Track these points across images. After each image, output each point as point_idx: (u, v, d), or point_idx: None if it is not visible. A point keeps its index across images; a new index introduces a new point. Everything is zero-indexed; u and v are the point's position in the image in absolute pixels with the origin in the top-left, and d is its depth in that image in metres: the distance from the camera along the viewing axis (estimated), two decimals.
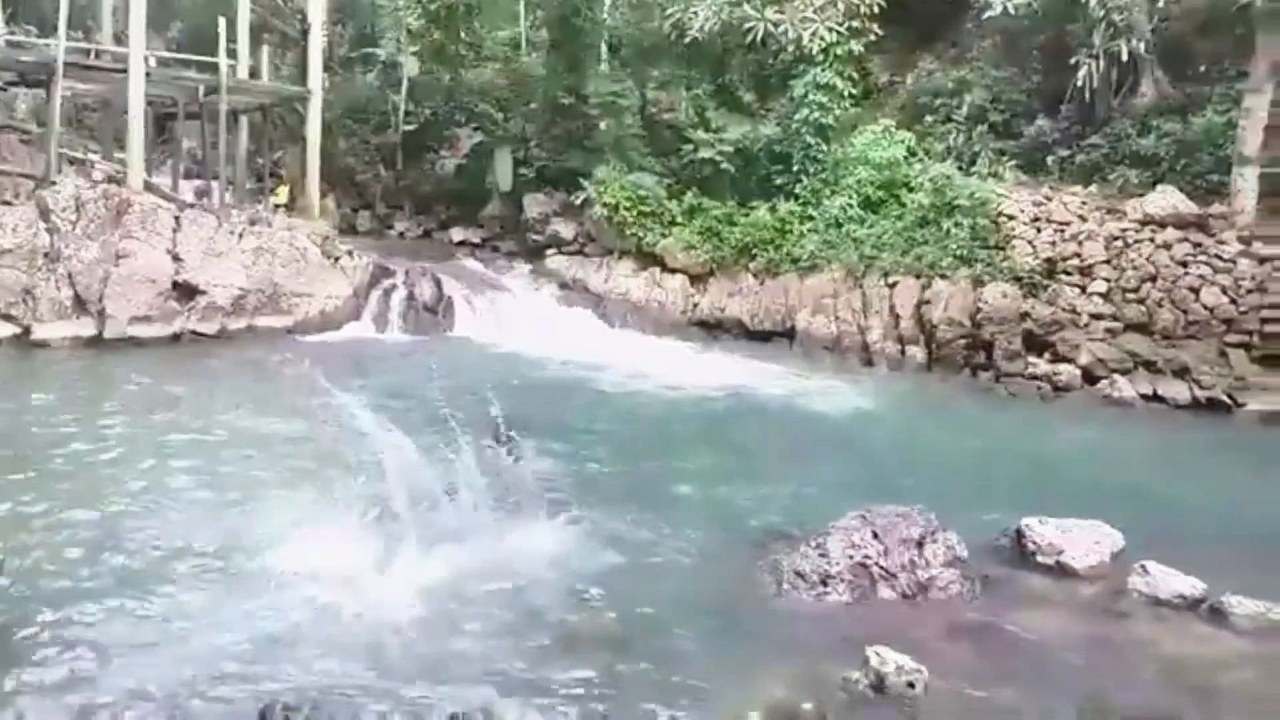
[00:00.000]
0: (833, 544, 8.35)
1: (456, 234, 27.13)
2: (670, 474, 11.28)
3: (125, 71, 18.85)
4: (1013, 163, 20.87)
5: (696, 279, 21.80)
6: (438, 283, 20.59)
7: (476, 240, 26.70)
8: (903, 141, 21.35)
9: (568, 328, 20.44)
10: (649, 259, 22.24)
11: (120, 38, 24.87)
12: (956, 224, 19.24)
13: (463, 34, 28.67)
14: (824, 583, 8.13)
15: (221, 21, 21.67)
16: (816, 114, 21.19)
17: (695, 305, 21.55)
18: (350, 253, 19.97)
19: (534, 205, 25.22)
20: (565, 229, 24.30)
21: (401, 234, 27.64)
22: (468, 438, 8.71)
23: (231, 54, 21.78)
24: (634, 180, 22.47)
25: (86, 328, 15.82)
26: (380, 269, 20.26)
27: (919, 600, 7.99)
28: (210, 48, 22.49)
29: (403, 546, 7.75)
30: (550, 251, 24.14)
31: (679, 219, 22.04)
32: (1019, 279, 18.47)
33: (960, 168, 20.74)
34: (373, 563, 7.64)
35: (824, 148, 21.41)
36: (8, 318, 15.50)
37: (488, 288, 21.92)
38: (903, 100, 23.94)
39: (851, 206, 20.73)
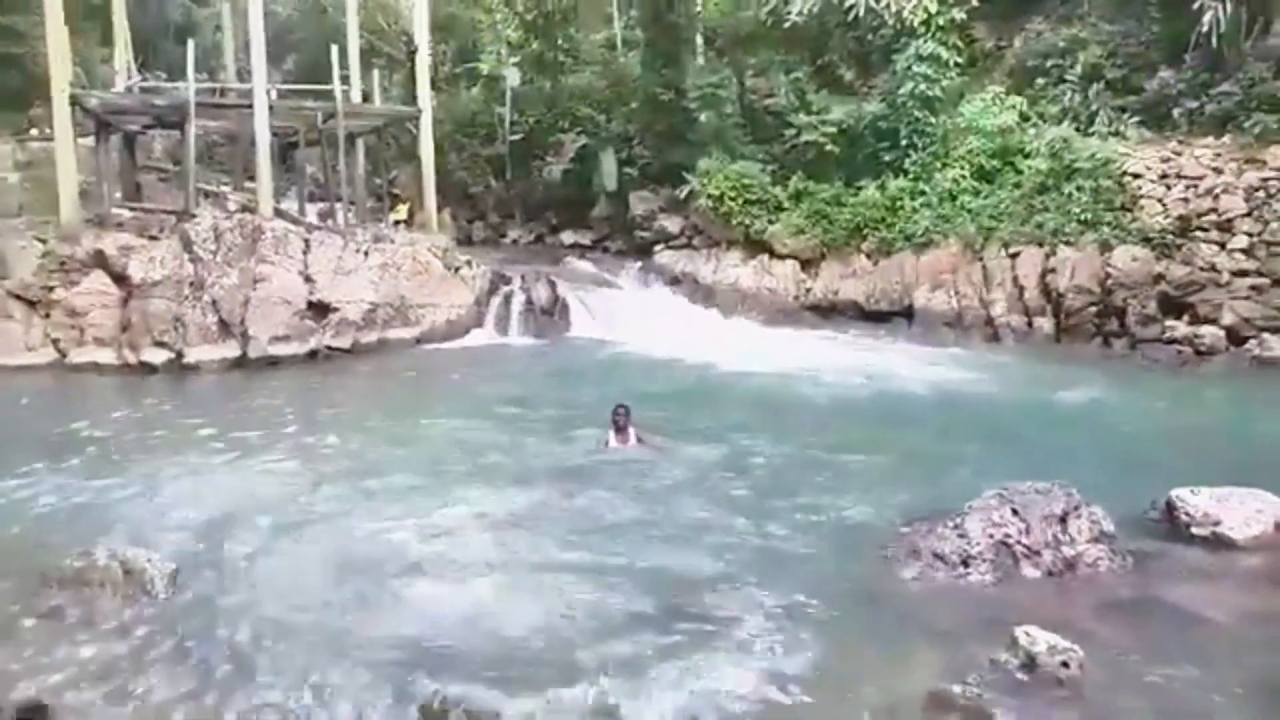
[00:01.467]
0: (971, 524, 8.20)
1: (567, 237, 27.65)
2: (802, 460, 11.23)
3: (250, 107, 19.90)
4: (1135, 119, 19.86)
5: (807, 263, 21.60)
6: (552, 286, 21.02)
7: (586, 242, 27.15)
8: (1014, 107, 20.63)
9: (680, 321, 20.58)
10: (757, 247, 22.16)
11: (243, 75, 26.29)
12: (1078, 188, 18.49)
13: (560, 41, 29.14)
14: (965, 563, 7.99)
15: (334, 50, 22.64)
16: (922, 86, 20.69)
17: (808, 290, 21.36)
18: (469, 262, 20.59)
19: (640, 203, 25.45)
20: (672, 224, 24.45)
21: (515, 241, 28.32)
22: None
23: (344, 80, 22.74)
24: (738, 169, 22.43)
25: (232, 350, 16.82)
26: (498, 276, 20.82)
27: (1066, 578, 7.77)
28: (323, 76, 23.56)
29: None
30: (659, 247, 24.32)
31: (785, 204, 21.89)
32: (1149, 240, 17.63)
33: (1078, 129, 19.88)
34: None
35: (932, 120, 20.89)
36: (161, 344, 16.61)
37: (600, 287, 22.27)
38: (1011, 65, 23.08)
39: (965, 178, 20.18)
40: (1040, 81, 21.71)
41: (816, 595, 7.70)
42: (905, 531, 8.70)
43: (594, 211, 27.37)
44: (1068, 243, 18.17)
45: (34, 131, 23.94)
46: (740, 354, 17.50)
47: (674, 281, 22.85)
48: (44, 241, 17.55)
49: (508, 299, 20.44)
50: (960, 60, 21.39)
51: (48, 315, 16.48)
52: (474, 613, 7.40)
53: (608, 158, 26.45)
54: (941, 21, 20.55)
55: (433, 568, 8.18)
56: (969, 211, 19.69)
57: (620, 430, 11.12)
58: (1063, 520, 8.14)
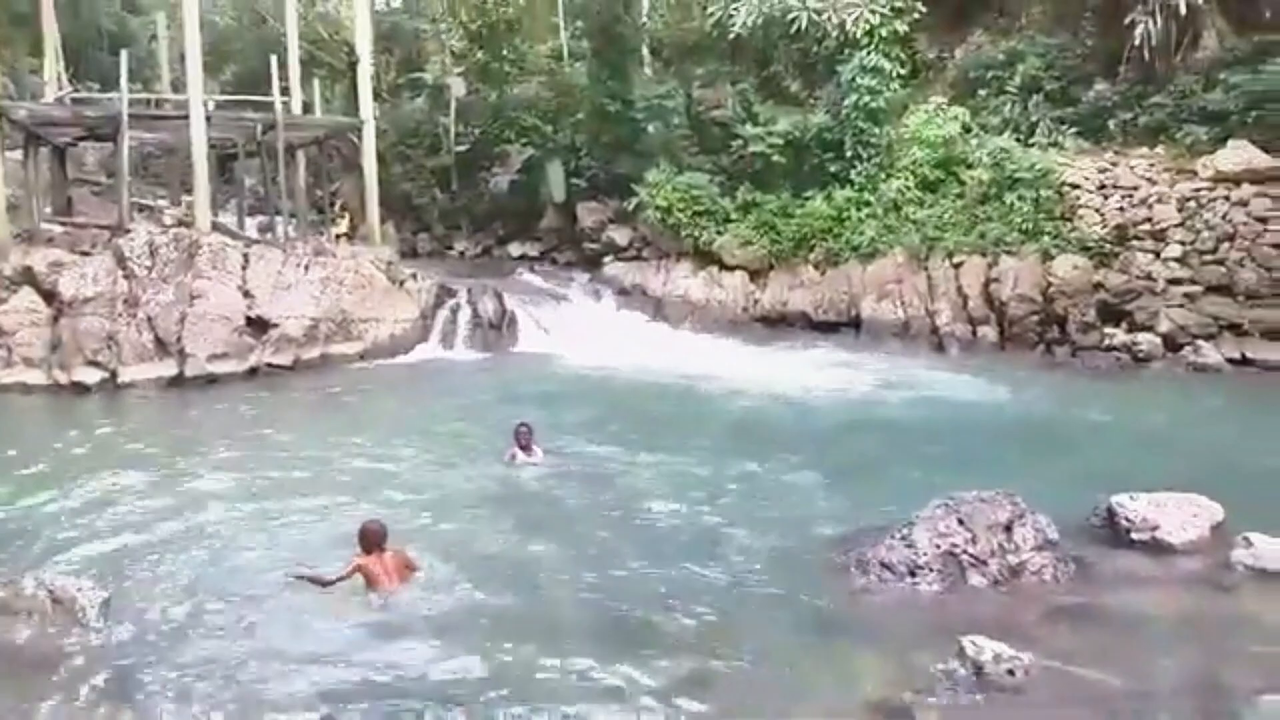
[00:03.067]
0: (918, 534, 8.21)
1: (514, 249, 27.46)
2: (746, 472, 11.21)
3: (187, 118, 19.44)
4: (1073, 130, 20.32)
5: (756, 274, 21.69)
6: (500, 299, 20.78)
7: (534, 254, 26.98)
8: (956, 118, 20.96)
9: (630, 333, 20.53)
10: (706, 258, 22.20)
11: (179, 85, 25.73)
12: (1020, 198, 18.83)
13: (505, 51, 28.99)
14: (912, 573, 8.00)
15: (273, 60, 22.25)
16: (866, 98, 20.92)
17: (756, 301, 21.43)
18: (414, 275, 20.30)
19: (588, 214, 25.38)
20: (620, 235, 24.40)
21: (461, 253, 28.05)
22: None
23: (284, 91, 22.35)
24: (685, 181, 22.46)
25: (168, 368, 16.31)
26: (444, 289, 20.54)
27: (1011, 586, 7.81)
28: (262, 86, 23.13)
29: None
30: (608, 259, 24.26)
31: (733, 215, 21.97)
32: (1088, 249, 18.02)
33: (1019, 140, 20.27)
34: None
35: (876, 131, 21.12)
36: (95, 364, 16.08)
37: (549, 300, 22.08)
38: (953, 76, 23.49)
39: (909, 189, 20.44)
40: (981, 93, 22.12)
41: (760, 607, 7.67)
42: (851, 543, 8.72)
43: (542, 223, 27.23)
44: (1010, 252, 18.49)
45: None
46: (688, 367, 17.46)
47: (623, 293, 22.77)
48: None
49: (454, 312, 20.16)
50: (903, 71, 21.67)
51: None
52: (391, 639, 7.24)
53: (555, 169, 26.35)
54: (884, 33, 20.81)
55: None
56: (914, 222, 19.94)
57: (524, 447, 11.16)
58: (1008, 529, 8.18)
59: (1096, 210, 18.39)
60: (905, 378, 16.67)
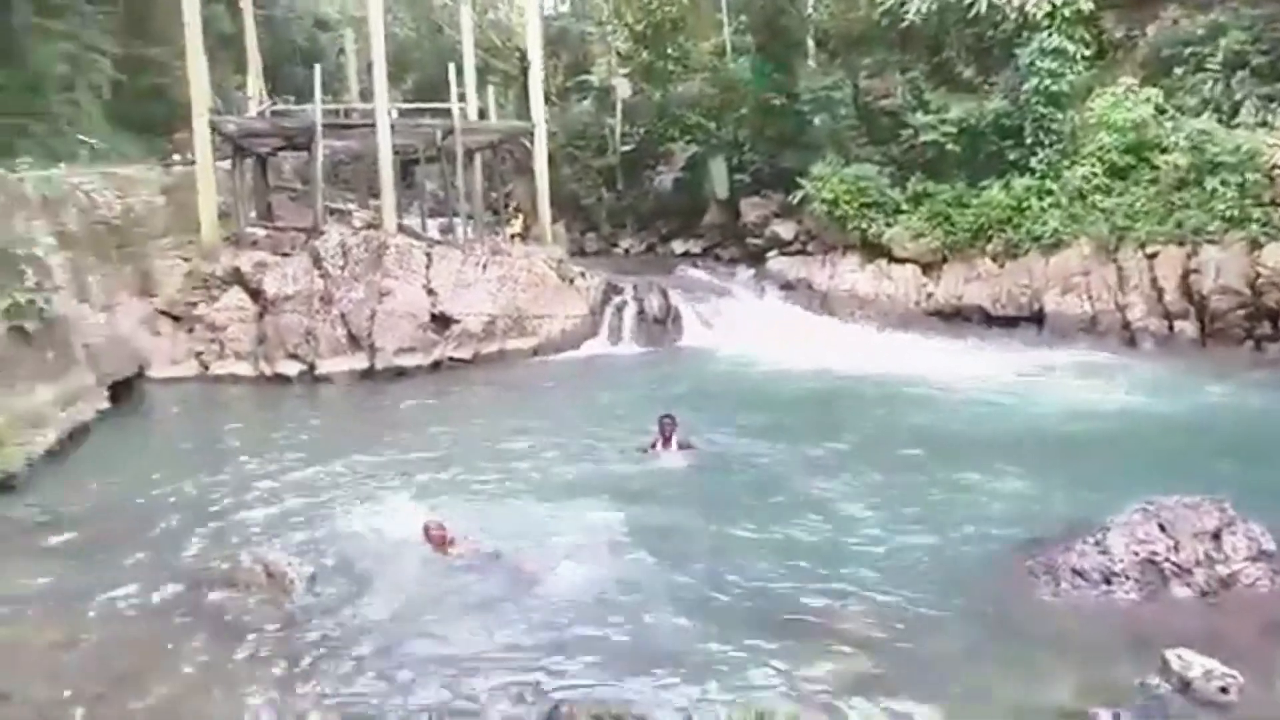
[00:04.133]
0: (1114, 539, 7.82)
1: (678, 246, 27.69)
2: (926, 471, 10.95)
3: (373, 126, 20.65)
4: None
5: (928, 267, 21.04)
6: (665, 295, 21.04)
7: (698, 250, 27.12)
8: (1148, 100, 19.61)
9: (794, 328, 20.31)
10: (875, 251, 21.70)
11: (365, 95, 27.36)
12: (1223, 183, 17.42)
13: (669, 49, 29.24)
14: (1107, 581, 7.63)
15: (451, 69, 23.29)
16: (1047, 81, 19.86)
17: (929, 295, 20.78)
18: (583, 273, 20.84)
19: (751, 209, 25.28)
20: (785, 229, 24.19)
21: (626, 251, 28.54)
22: None
23: (461, 98, 23.36)
24: (853, 172, 22.02)
25: (360, 361, 17.43)
26: (611, 286, 20.98)
27: (1220, 598, 7.33)
28: (441, 94, 24.25)
29: None
30: (771, 253, 24.08)
31: (904, 207, 21.38)
32: None
33: (1220, 120, 18.75)
34: None
35: (1059, 116, 20.03)
36: (295, 357, 17.36)
37: (712, 295, 22.15)
38: (1144, 55, 21.96)
39: (1095, 175, 19.30)
40: (1177, 71, 20.57)
41: (947, 611, 7.48)
42: (1038, 547, 8.36)
43: (705, 219, 27.33)
44: (1212, 241, 17.16)
45: (176, 156, 25.43)
46: (857, 361, 17.14)
47: (787, 288, 22.56)
48: (187, 260, 18.61)
49: (620, 309, 20.55)
50: (1088, 53, 20.45)
51: (191, 330, 17.44)
52: (587, 618, 7.47)
53: (718, 165, 26.38)
54: (1067, 13, 19.70)
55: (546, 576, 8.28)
56: (1101, 211, 18.82)
57: (667, 439, 11.33)
58: (1216, 537, 7.69)
59: None
60: (1094, 375, 15.81)
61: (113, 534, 9.39)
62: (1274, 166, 17.29)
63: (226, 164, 22.89)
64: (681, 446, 11.43)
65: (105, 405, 13.93)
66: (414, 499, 10.22)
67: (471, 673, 6.70)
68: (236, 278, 18.18)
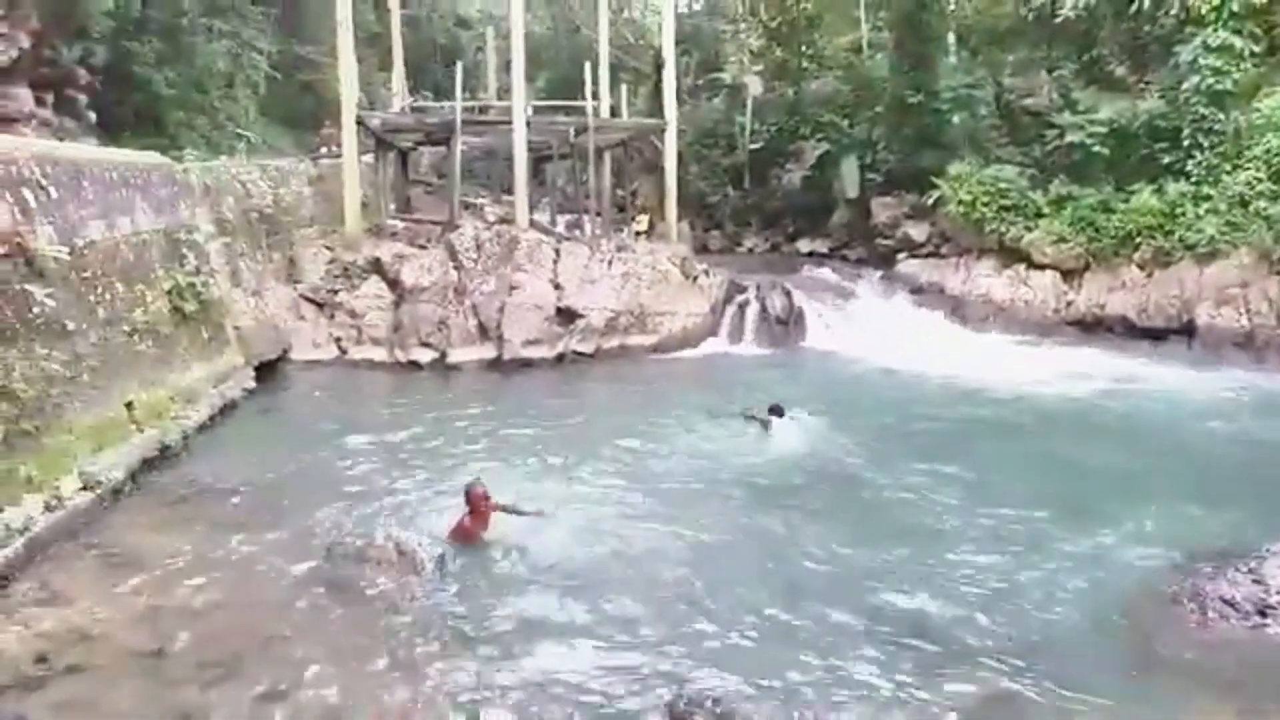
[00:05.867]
0: (1271, 570, 7.36)
1: (804, 245, 27.30)
2: (1065, 489, 10.49)
3: (510, 124, 21.14)
4: None
5: (1069, 274, 20.10)
6: (788, 295, 20.72)
7: (824, 250, 26.66)
8: None
9: (924, 334, 19.67)
10: (1012, 255, 20.89)
11: (501, 93, 28.04)
12: None
13: (803, 47, 28.90)
14: (1261, 613, 7.17)
15: (586, 66, 23.61)
16: (1210, 80, 18.67)
17: (1069, 303, 19.87)
18: (706, 271, 20.79)
19: (882, 209, 24.71)
20: (916, 231, 23.55)
21: (750, 249, 28.33)
22: None
23: (594, 95, 23.66)
24: (992, 173, 21.27)
25: (488, 351, 17.87)
26: (734, 285, 20.82)
27: None
28: (572, 91, 24.61)
29: None
30: (901, 256, 23.49)
31: (1045, 210, 20.50)
32: None
33: None
34: None
35: (1221, 117, 18.81)
36: (427, 345, 17.94)
37: (838, 297, 21.69)
38: None
39: (1260, 180, 18.03)
40: None
41: (1077, 632, 7.20)
42: (1184, 573, 7.91)
43: (833, 219, 26.88)
44: None
45: (323, 150, 26.66)
46: (990, 370, 16.54)
47: (917, 291, 21.93)
48: (330, 250, 19.48)
49: (742, 308, 20.36)
50: (1257, 49, 19.13)
51: (332, 316, 18.23)
52: (706, 615, 7.47)
53: (849, 163, 25.91)
54: (1236, 7, 18.46)
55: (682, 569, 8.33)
56: (1265, 219, 17.57)
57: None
58: None
59: None
60: (1249, 395, 14.80)
61: (257, 506, 9.95)
62: None
63: (369, 158, 23.87)
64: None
65: (252, 384, 14.73)
66: (537, 483, 10.48)
67: (598, 662, 6.82)
68: (376, 267, 18.91)
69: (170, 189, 14.33)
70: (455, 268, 18.73)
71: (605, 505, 10.01)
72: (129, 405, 11.07)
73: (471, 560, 8.52)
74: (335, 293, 18.44)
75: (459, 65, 23.27)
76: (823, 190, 26.97)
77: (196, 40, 22.55)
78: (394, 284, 18.57)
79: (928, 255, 23.00)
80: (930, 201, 22.37)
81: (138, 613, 7.51)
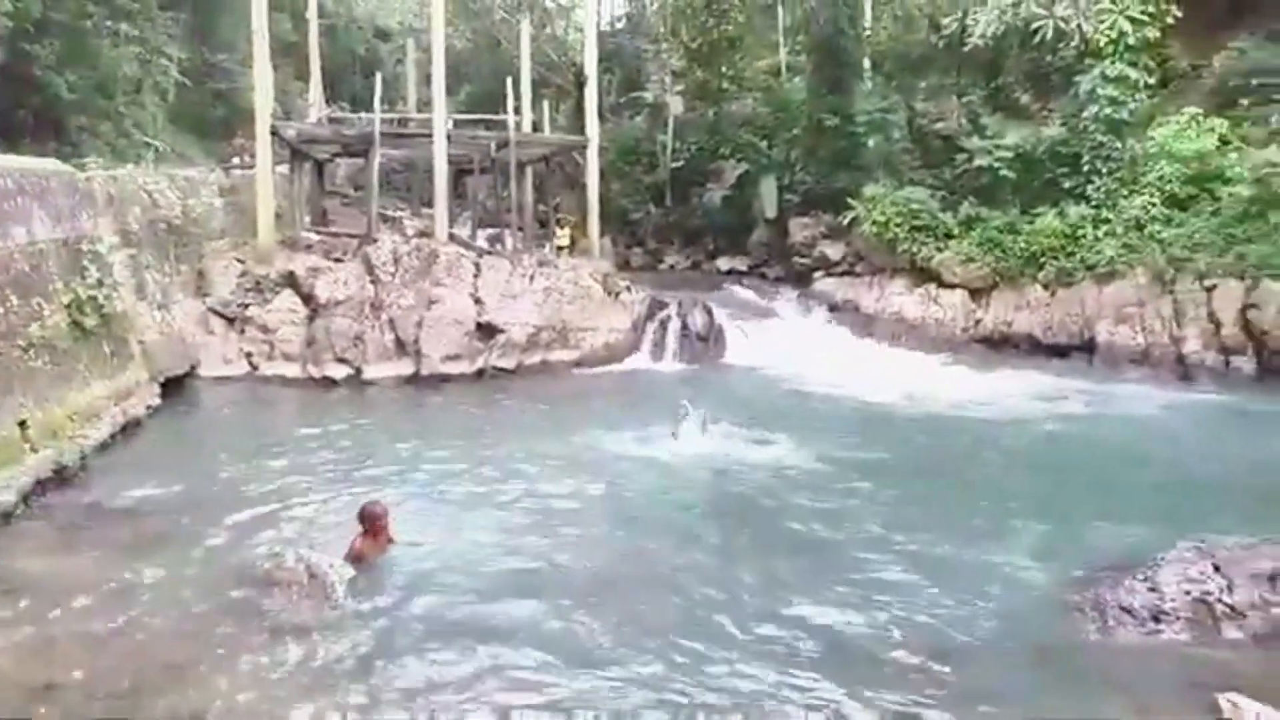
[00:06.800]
0: (1165, 577, 7.65)
1: (724, 263, 27.59)
2: (973, 502, 10.79)
3: (430, 136, 20.92)
4: None
5: (977, 293, 20.77)
6: (709, 312, 20.98)
7: (744, 268, 27.01)
8: (1213, 130, 19.25)
9: (839, 350, 20.15)
10: (924, 275, 21.49)
11: (421, 105, 27.73)
12: None
13: (724, 68, 29.30)
14: (1156, 619, 7.46)
15: (508, 82, 23.54)
16: (1108, 109, 19.58)
17: (977, 321, 20.52)
18: (628, 287, 20.86)
19: (800, 229, 25.17)
20: (833, 250, 24.04)
21: (672, 267, 28.51)
22: None
23: (516, 110, 23.60)
24: (905, 195, 21.86)
25: (406, 367, 17.60)
26: (656, 302, 20.96)
27: (1277, 644, 7.09)
28: (495, 106, 24.51)
29: None
30: (818, 274, 23.94)
31: (955, 231, 21.14)
32: None
33: None
34: None
35: (1118, 144, 19.72)
36: (343, 360, 17.58)
37: (757, 314, 22.05)
38: (1210, 85, 21.59)
39: (1154, 205, 18.98)
40: (1244, 102, 20.19)
41: (983, 645, 7.35)
42: (1085, 584, 8.19)
43: (752, 238, 27.26)
44: (1275, 276, 16.75)
45: (235, 160, 25.99)
46: (901, 385, 16.95)
47: (834, 309, 22.40)
48: (242, 262, 18.95)
49: (664, 324, 20.51)
50: (1151, 81, 20.14)
51: (243, 331, 17.72)
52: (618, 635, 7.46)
53: (768, 184, 26.33)
54: (1132, 40, 19.40)
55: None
56: (1159, 241, 18.48)
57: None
58: (1272, 579, 7.45)
59: None
60: (1146, 409, 15.47)
61: (160, 528, 9.58)
62: None
63: (284, 169, 23.35)
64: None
65: (157, 402, 14.22)
66: (455, 504, 10.33)
67: (507, 682, 6.73)
68: (290, 281, 18.47)
69: (71, 198, 13.75)
70: (372, 281, 18.41)
71: (516, 523, 9.91)
72: (22, 424, 10.56)
73: (383, 581, 8.34)
74: (246, 307, 17.94)
75: (378, 76, 23.01)
76: (742, 209, 27.33)
77: (102, 44, 21.74)
78: (308, 298, 18.15)
79: (843, 274, 23.48)
80: (846, 222, 22.87)
81: (28, 644, 7.14)
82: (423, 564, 8.64)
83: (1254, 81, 20.19)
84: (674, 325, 20.55)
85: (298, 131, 22.30)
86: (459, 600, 8.02)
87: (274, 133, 20.42)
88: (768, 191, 26.30)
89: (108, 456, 11.78)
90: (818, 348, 20.03)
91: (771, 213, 26.27)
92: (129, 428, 12.88)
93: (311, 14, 26.65)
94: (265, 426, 14.35)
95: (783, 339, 20.59)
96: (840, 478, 11.59)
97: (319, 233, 22.62)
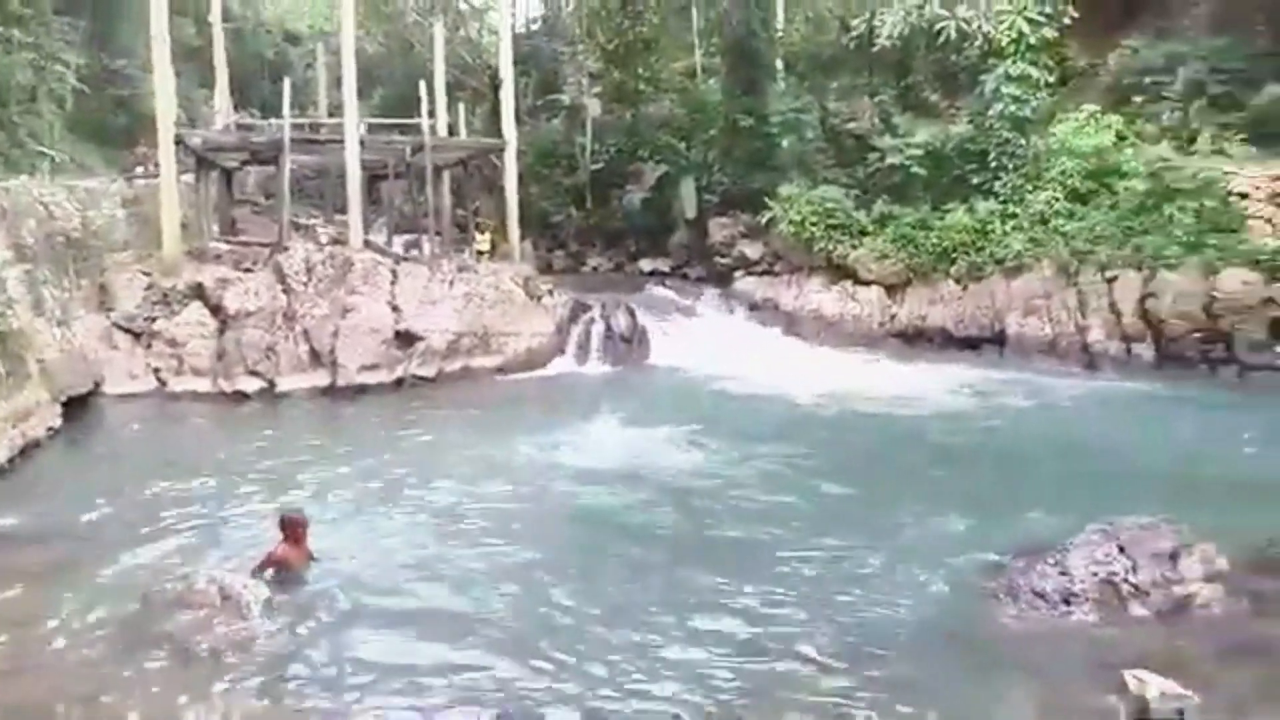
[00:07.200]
0: (1074, 560, 7.89)
1: (646, 264, 27.65)
2: (894, 497, 10.98)
3: (342, 142, 20.50)
4: (1240, 137, 19.06)
5: (892, 289, 21.21)
6: (632, 314, 20.99)
7: (665, 269, 27.10)
8: (1110, 126, 20.03)
9: (760, 348, 20.36)
10: (840, 272, 21.86)
11: (333, 110, 27.19)
12: (1180, 209, 17.82)
13: (640, 70, 29.35)
14: (1066, 601, 7.69)
15: (422, 85, 23.20)
16: (1011, 107, 20.22)
17: (893, 316, 20.96)
18: (551, 291, 20.74)
19: (719, 229, 25.36)
20: (752, 250, 24.28)
21: (594, 269, 28.45)
22: None
23: (431, 114, 23.27)
24: (820, 194, 22.20)
25: (321, 378, 17.18)
26: (578, 304, 20.90)
27: (1178, 619, 7.39)
28: (410, 110, 24.15)
29: None
30: (739, 274, 24.16)
31: (869, 229, 21.55)
32: (1259, 262, 16.84)
33: (1179, 148, 19.19)
34: None
35: (1022, 141, 20.38)
36: (255, 373, 17.08)
37: (680, 314, 22.15)
38: (1106, 83, 22.47)
39: (1058, 200, 19.65)
40: (1138, 100, 21.05)
41: (902, 634, 7.49)
42: (999, 569, 8.41)
43: (673, 239, 27.37)
44: (1169, 266, 17.48)
45: (138, 169, 25.08)
46: (819, 382, 17.21)
47: (754, 308, 22.64)
48: (147, 275, 18.28)
49: (588, 327, 20.46)
50: (1052, 80, 20.86)
51: (149, 345, 17.08)
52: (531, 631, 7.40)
53: (687, 185, 26.48)
54: (1033, 40, 20.06)
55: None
56: (1062, 234, 19.13)
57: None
58: (1173, 558, 7.76)
59: (1268, 221, 17.21)
60: (1054, 397, 16.00)
61: (63, 553, 9.18)
62: (1230, 194, 17.69)
63: (190, 178, 22.63)
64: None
65: (58, 422, 13.64)
66: (374, 519, 10.13)
67: (427, 690, 6.63)
68: (197, 293, 17.88)
69: None
70: (284, 291, 17.93)
71: (435, 536, 9.76)
72: None
73: (299, 598, 8.12)
74: (153, 320, 17.30)
75: (287, 81, 22.46)
76: (663, 211, 27.43)
77: None
78: (217, 310, 17.59)
79: (763, 273, 23.73)
80: (764, 221, 23.13)
81: None
82: (341, 581, 8.43)
83: (1146, 80, 21.08)
84: (597, 328, 20.51)
85: (203, 139, 21.64)
86: (376, 617, 7.86)
87: (178, 141, 19.78)
88: (687, 193, 26.44)
89: (6, 481, 11.26)
90: (740, 347, 20.21)
91: (691, 213, 26.41)
92: (28, 450, 12.33)
93: (215, 18, 25.91)
94: (174, 444, 13.86)
95: (705, 339, 20.72)
96: (763, 477, 11.71)
97: (228, 242, 21.97)
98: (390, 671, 6.95)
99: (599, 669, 6.96)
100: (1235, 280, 16.68)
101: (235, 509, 10.54)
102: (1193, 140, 19.51)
